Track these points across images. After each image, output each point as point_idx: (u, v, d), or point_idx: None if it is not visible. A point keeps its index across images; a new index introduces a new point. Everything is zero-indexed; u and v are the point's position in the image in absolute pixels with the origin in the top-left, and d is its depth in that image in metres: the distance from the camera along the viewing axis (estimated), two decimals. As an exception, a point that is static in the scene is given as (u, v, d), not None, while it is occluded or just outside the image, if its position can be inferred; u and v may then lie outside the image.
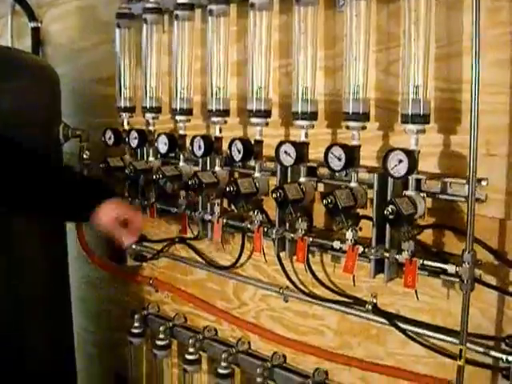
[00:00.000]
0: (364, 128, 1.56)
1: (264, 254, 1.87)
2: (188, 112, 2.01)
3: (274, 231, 1.76)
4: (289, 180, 1.72)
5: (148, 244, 2.40)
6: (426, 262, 1.47)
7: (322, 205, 1.58)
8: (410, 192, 1.47)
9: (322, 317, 1.84)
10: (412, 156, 1.42)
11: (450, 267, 1.42)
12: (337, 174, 1.64)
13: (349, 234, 1.57)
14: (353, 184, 1.58)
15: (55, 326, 2.34)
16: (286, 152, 1.66)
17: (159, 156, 2.11)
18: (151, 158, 2.16)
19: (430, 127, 1.47)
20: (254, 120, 1.77)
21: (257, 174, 1.81)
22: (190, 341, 2.13)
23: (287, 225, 1.75)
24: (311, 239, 1.70)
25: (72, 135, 2.35)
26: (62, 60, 2.63)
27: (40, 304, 2.26)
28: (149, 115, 2.14)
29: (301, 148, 1.66)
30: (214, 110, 1.87)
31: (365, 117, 1.54)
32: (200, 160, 1.97)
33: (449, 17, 1.47)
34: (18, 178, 1.85)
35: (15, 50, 2.49)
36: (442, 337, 1.54)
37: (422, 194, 1.48)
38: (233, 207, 1.89)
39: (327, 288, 1.77)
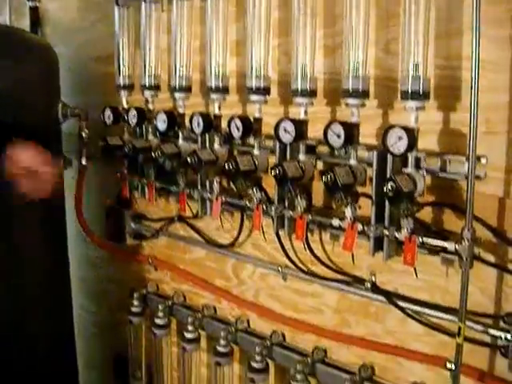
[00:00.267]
0: (363, 105, 1.55)
1: (263, 232, 1.87)
2: (187, 89, 2.00)
3: (273, 209, 1.76)
4: (288, 158, 1.72)
5: (147, 223, 2.41)
6: (425, 240, 1.47)
7: (321, 183, 1.57)
8: (410, 170, 1.46)
9: (320, 295, 1.85)
10: (411, 133, 1.41)
11: (449, 245, 1.42)
12: (336, 151, 1.64)
13: (348, 212, 1.57)
14: (352, 161, 1.57)
15: (55, 308, 2.35)
16: (285, 129, 1.66)
17: (158, 134, 2.11)
18: (150, 137, 2.15)
19: (430, 105, 1.46)
20: (253, 97, 1.76)
21: (256, 152, 1.80)
22: (189, 319, 2.14)
23: (286, 203, 1.75)
24: (310, 217, 1.69)
25: (71, 114, 2.34)
26: (61, 39, 2.61)
27: (40, 285, 2.27)
28: (148, 93, 2.13)
29: (300, 125, 1.66)
30: (213, 87, 1.86)
31: (364, 94, 1.53)
32: (199, 138, 1.96)
33: (449, -6, 1.46)
34: None
35: (14, 29, 2.48)
36: (440, 315, 1.55)
37: (421, 172, 1.47)
38: (232, 186, 1.89)
39: (326, 266, 1.77)
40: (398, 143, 1.42)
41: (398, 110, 1.55)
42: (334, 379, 1.79)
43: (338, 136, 1.54)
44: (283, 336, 1.97)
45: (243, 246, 2.04)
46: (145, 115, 2.15)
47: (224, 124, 1.88)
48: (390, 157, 1.49)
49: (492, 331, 1.45)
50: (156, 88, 2.13)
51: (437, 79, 1.48)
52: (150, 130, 2.16)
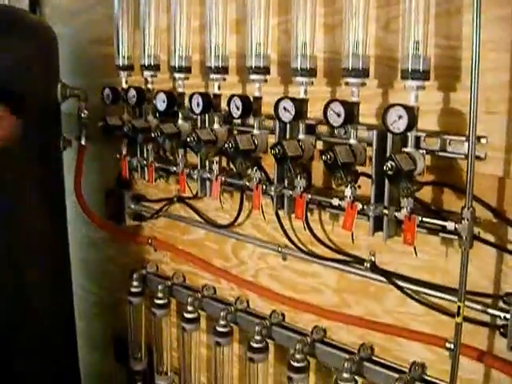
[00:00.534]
0: (363, 84, 1.54)
1: (263, 212, 1.87)
2: (187, 70, 1.99)
3: (273, 188, 1.75)
4: (287, 137, 1.71)
5: (147, 204, 2.41)
6: (425, 219, 1.47)
7: (320, 163, 1.57)
8: (410, 149, 1.46)
9: (320, 275, 1.85)
10: (412, 112, 1.41)
11: (449, 224, 1.42)
12: (336, 131, 1.64)
13: (348, 191, 1.57)
14: (352, 141, 1.57)
15: (55, 286, 2.35)
16: (284, 108, 1.65)
17: (158, 114, 2.10)
18: (150, 117, 2.15)
19: (430, 85, 1.45)
20: (252, 76, 1.75)
21: (256, 131, 1.80)
22: (189, 299, 2.14)
23: (286, 182, 1.75)
24: (310, 196, 1.69)
25: (70, 95, 2.33)
26: (60, 20, 2.60)
27: (39, 265, 2.27)
28: (147, 73, 2.12)
29: (300, 104, 1.65)
30: (212, 66, 1.85)
31: (364, 73, 1.52)
32: (198, 117, 1.96)
33: (449, -28, 1.45)
34: None
35: (13, 8, 2.46)
36: (440, 295, 1.55)
37: (421, 152, 1.47)
38: (231, 166, 1.89)
39: (326, 246, 1.77)
40: (397, 122, 1.41)
41: (398, 89, 1.54)
42: (333, 359, 1.80)
43: (338, 115, 1.53)
44: (283, 316, 1.97)
45: (243, 226, 2.04)
46: (144, 95, 2.14)
47: (224, 104, 1.87)
48: (389, 136, 1.48)
49: (491, 311, 1.45)
50: (155, 68, 2.11)
51: (437, 59, 1.47)
52: (149, 110, 2.16)
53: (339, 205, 1.61)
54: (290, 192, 1.73)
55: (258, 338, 1.90)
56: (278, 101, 1.67)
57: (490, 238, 1.45)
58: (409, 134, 1.45)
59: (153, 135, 2.00)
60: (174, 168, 2.10)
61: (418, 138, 1.47)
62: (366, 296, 1.75)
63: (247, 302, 2.08)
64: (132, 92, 2.14)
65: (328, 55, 1.70)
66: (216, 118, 1.92)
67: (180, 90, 2.03)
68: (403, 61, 1.43)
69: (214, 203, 2.11)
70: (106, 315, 2.83)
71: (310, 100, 1.68)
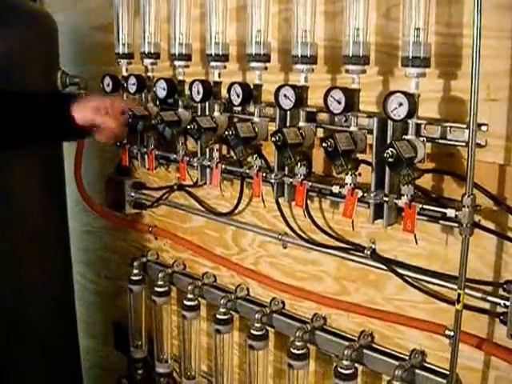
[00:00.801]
0: (364, 72, 1.53)
1: (263, 199, 1.87)
2: (187, 57, 1.99)
3: (273, 176, 1.75)
4: (288, 125, 1.71)
5: (147, 192, 2.41)
6: (425, 207, 1.47)
7: (321, 151, 1.57)
8: (410, 137, 1.46)
9: (320, 263, 1.85)
10: (412, 99, 1.40)
11: (449, 211, 1.42)
12: (336, 118, 1.63)
13: (348, 179, 1.57)
14: (352, 128, 1.56)
15: (55, 274, 2.36)
16: (285, 95, 1.65)
17: (158, 102, 2.10)
18: (150, 104, 2.15)
19: (431, 72, 1.45)
20: (253, 64, 1.75)
21: (256, 119, 1.80)
22: (189, 287, 2.14)
23: (286, 170, 1.75)
24: (310, 184, 1.69)
25: (70, 83, 2.34)
26: (60, 8, 2.59)
27: (39, 253, 2.27)
28: (147, 61, 2.12)
29: (300, 91, 1.65)
30: (212, 54, 1.85)
31: (365, 60, 1.51)
32: (199, 105, 1.96)
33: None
34: None
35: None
36: (440, 282, 1.55)
37: (421, 139, 1.46)
38: (232, 154, 1.89)
39: (326, 234, 1.77)
40: (398, 109, 1.41)
41: (399, 77, 1.54)
42: (333, 346, 1.80)
43: (339, 102, 1.53)
44: (283, 303, 1.97)
45: (243, 214, 2.05)
46: (144, 83, 2.14)
47: (224, 92, 1.87)
48: (390, 123, 1.47)
49: (491, 298, 1.45)
50: (156, 56, 2.11)
51: (438, 46, 1.46)
52: (149, 97, 2.15)
53: (339, 192, 1.61)
54: (291, 179, 1.73)
55: (258, 325, 1.90)
56: (279, 88, 1.67)
57: (491, 225, 1.45)
58: (409, 121, 1.45)
59: (153, 123, 2.00)
60: (174, 156, 2.10)
61: (418, 126, 1.47)
62: (366, 283, 1.75)
63: (247, 289, 2.09)
64: (132, 80, 2.14)
65: (328, 43, 1.70)
66: (216, 106, 1.92)
67: (180, 77, 2.02)
68: (404, 48, 1.42)
69: (214, 191, 2.11)
70: (106, 303, 2.83)
71: (311, 87, 1.68)
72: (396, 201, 1.50)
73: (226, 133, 1.74)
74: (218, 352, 2.07)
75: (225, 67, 1.88)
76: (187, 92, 1.98)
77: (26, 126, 1.84)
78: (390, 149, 1.39)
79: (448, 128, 1.45)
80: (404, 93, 1.40)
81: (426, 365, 1.63)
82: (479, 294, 1.47)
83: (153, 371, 2.42)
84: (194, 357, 2.24)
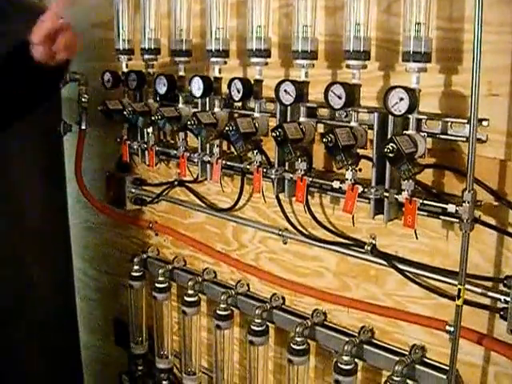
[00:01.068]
0: (364, 67, 1.54)
1: (263, 195, 1.87)
2: (187, 53, 1.99)
3: (274, 171, 1.75)
4: (288, 120, 1.71)
5: (148, 188, 2.40)
6: (425, 202, 1.47)
7: (321, 146, 1.57)
8: (411, 132, 1.46)
9: (320, 258, 1.85)
10: (413, 94, 1.40)
11: (450, 206, 1.42)
12: (337, 114, 1.64)
13: (348, 174, 1.57)
14: (353, 123, 1.57)
15: (55, 270, 2.36)
16: (285, 90, 1.65)
17: (158, 98, 2.10)
18: (150, 100, 2.15)
19: (432, 67, 1.45)
20: (253, 59, 1.75)
21: (256, 115, 1.80)
22: (190, 283, 2.14)
23: (286, 165, 1.75)
24: (311, 179, 1.69)
25: (70, 79, 2.34)
26: (60, 4, 2.59)
27: (39, 249, 2.28)
28: (147, 57, 2.11)
29: (301, 87, 1.65)
30: (213, 49, 1.85)
31: (365, 55, 1.51)
32: (199, 101, 1.96)
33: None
34: None
35: (13, -8, 2.46)
36: (440, 278, 1.55)
37: (422, 134, 1.46)
38: (232, 149, 1.89)
39: (326, 229, 1.77)
40: (399, 104, 1.41)
41: (400, 72, 1.54)
42: (333, 342, 1.80)
43: (339, 97, 1.53)
44: (283, 299, 1.97)
45: (243, 210, 2.04)
46: (144, 79, 2.14)
47: (224, 87, 1.87)
48: (391, 118, 1.48)
49: (492, 294, 1.45)
50: (156, 52, 2.10)
51: (439, 41, 1.46)
52: (149, 93, 2.15)
53: (340, 188, 1.61)
54: (291, 175, 1.73)
55: (258, 321, 1.90)
56: (279, 83, 1.67)
57: (491, 220, 1.45)
58: (410, 116, 1.45)
59: (153, 119, 2.00)
60: (175, 151, 2.11)
61: (419, 121, 1.47)
62: (367, 279, 1.75)
63: (248, 285, 2.08)
64: (132, 76, 2.14)
65: (329, 38, 1.70)
66: (216, 102, 1.92)
67: (180, 73, 2.02)
68: (405, 43, 1.42)
69: (214, 187, 2.11)
70: (106, 299, 2.83)
71: (311, 83, 1.68)
72: (396, 196, 1.51)
73: (227, 128, 1.74)
74: (218, 348, 2.07)
75: (225, 63, 1.88)
76: (187, 87, 1.97)
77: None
78: (391, 144, 1.38)
79: (449, 123, 1.45)
80: (405, 88, 1.40)
81: (426, 360, 1.64)
82: (479, 290, 1.47)
83: (153, 367, 2.42)
84: (195, 352, 2.24)
